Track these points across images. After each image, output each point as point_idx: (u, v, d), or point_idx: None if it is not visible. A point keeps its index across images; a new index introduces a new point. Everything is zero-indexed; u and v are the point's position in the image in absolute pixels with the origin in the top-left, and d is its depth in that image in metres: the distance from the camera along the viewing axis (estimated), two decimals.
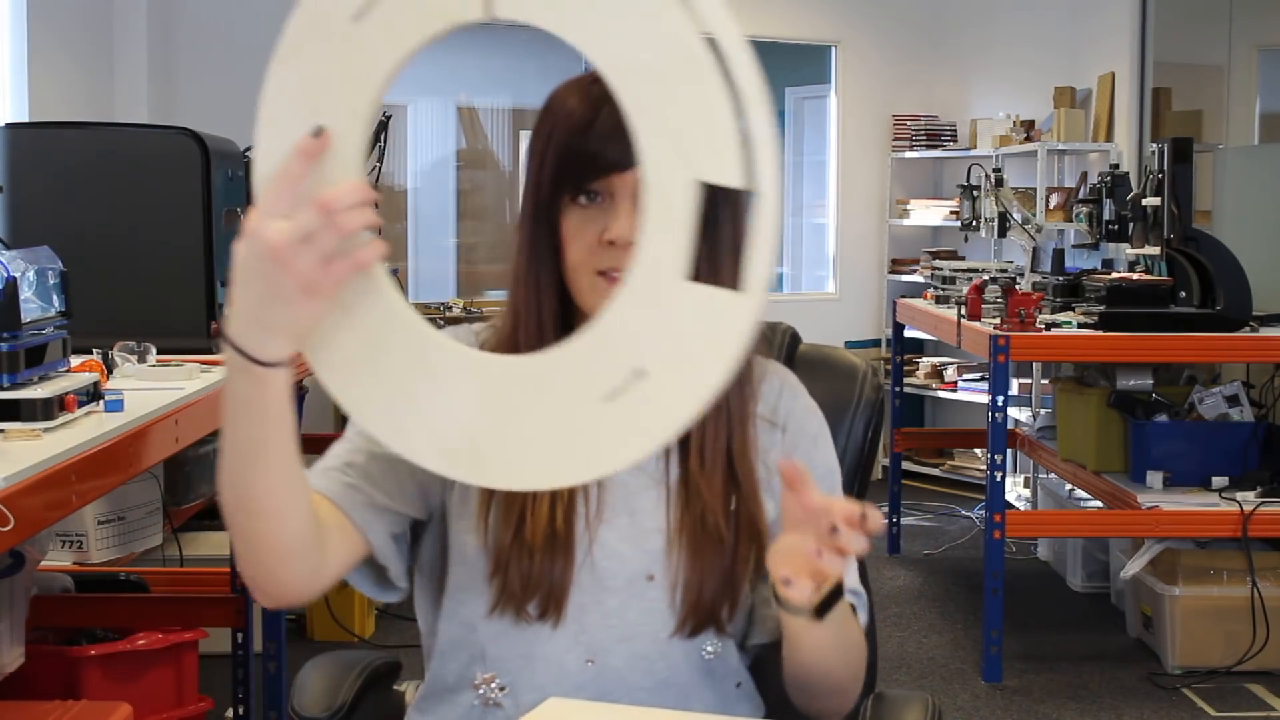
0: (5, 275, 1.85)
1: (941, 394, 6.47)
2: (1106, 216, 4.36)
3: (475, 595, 1.34)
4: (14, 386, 1.82)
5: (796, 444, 1.38)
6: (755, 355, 1.36)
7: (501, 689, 1.34)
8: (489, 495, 1.31)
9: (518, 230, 1.31)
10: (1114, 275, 4.32)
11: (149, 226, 2.68)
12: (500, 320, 1.36)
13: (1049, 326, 3.98)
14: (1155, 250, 4.09)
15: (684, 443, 1.32)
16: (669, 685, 1.33)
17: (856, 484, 1.60)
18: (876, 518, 1.12)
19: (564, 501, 1.30)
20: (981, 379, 6.10)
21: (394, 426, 1.04)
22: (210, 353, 2.63)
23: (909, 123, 6.74)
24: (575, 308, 1.31)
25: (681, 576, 1.30)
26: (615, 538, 1.31)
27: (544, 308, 1.30)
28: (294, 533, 1.17)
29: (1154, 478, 4.02)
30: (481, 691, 1.35)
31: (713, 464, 1.31)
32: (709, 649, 1.35)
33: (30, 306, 1.91)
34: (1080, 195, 5.43)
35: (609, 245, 1.25)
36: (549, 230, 1.29)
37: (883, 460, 5.68)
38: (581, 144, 1.24)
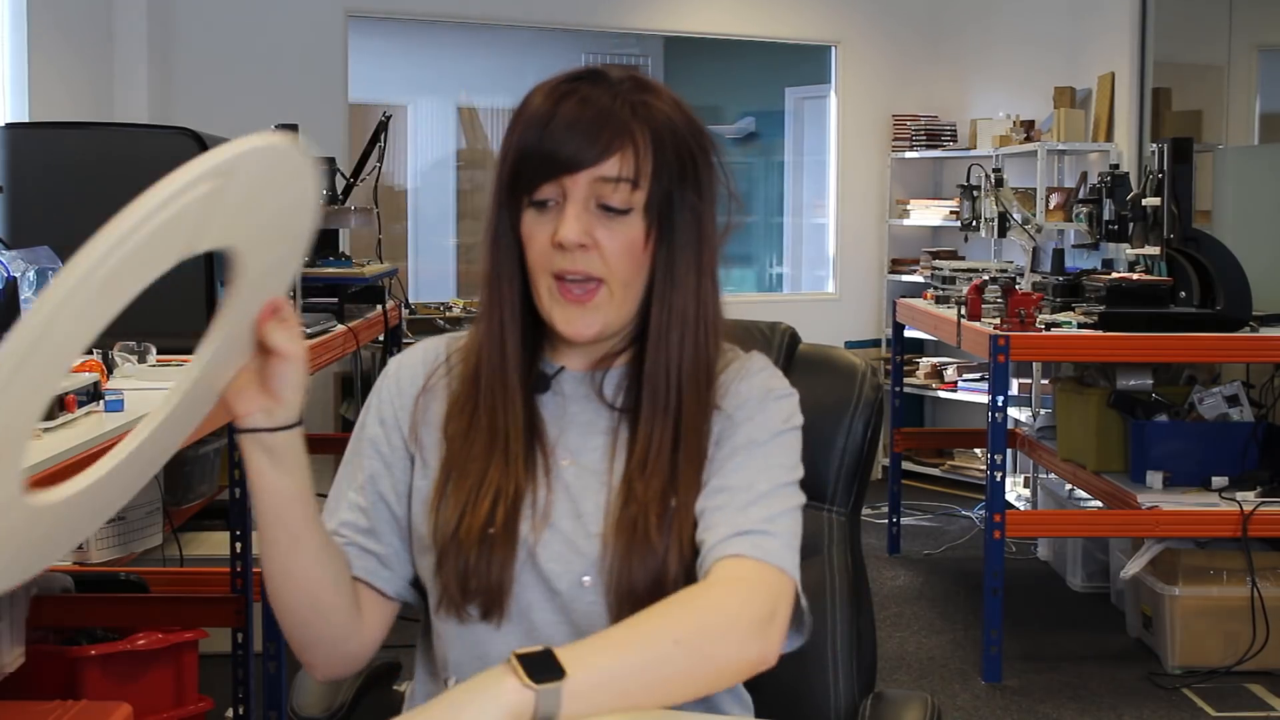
0: (5, 275, 1.85)
1: (941, 394, 6.47)
2: (1106, 216, 4.36)
3: (433, 594, 1.33)
4: None
5: (732, 416, 1.31)
6: (723, 362, 1.33)
7: None
8: (442, 488, 1.30)
9: (485, 231, 1.30)
10: (1114, 275, 4.32)
11: None
12: (469, 335, 1.35)
13: (1049, 326, 3.98)
14: (1155, 250, 4.09)
15: (631, 445, 1.29)
16: None
17: (856, 484, 1.60)
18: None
19: (507, 501, 1.27)
20: (981, 379, 6.10)
21: None
22: None
23: (909, 123, 6.74)
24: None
25: (614, 578, 1.26)
26: (559, 540, 1.28)
27: (505, 311, 1.29)
28: (336, 599, 1.23)
29: (1154, 478, 4.02)
30: None
31: (654, 468, 1.27)
32: None
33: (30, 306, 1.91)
34: (1080, 195, 5.43)
35: (559, 247, 1.23)
36: (512, 231, 1.28)
37: (883, 460, 5.68)
38: (536, 145, 1.23)
